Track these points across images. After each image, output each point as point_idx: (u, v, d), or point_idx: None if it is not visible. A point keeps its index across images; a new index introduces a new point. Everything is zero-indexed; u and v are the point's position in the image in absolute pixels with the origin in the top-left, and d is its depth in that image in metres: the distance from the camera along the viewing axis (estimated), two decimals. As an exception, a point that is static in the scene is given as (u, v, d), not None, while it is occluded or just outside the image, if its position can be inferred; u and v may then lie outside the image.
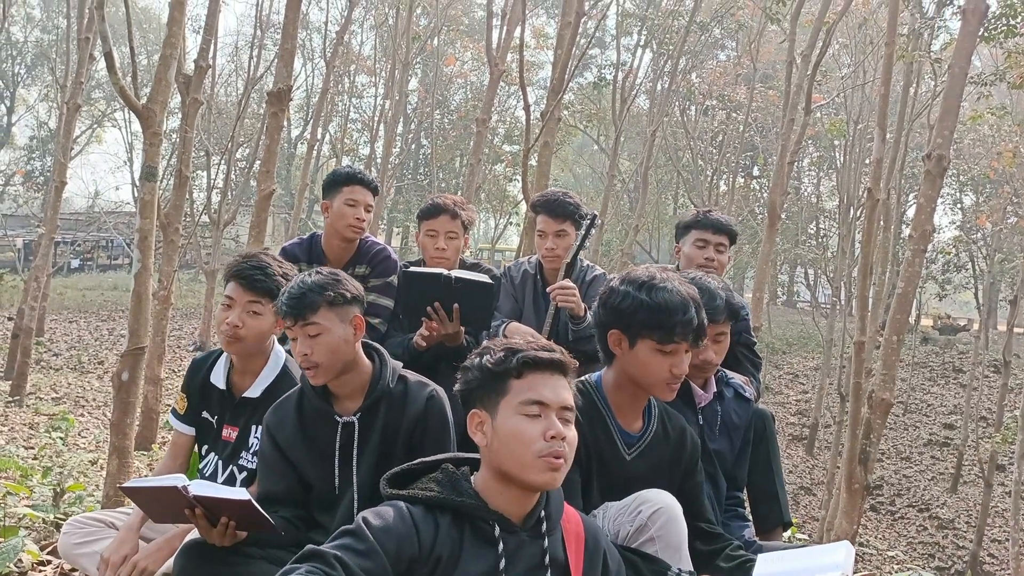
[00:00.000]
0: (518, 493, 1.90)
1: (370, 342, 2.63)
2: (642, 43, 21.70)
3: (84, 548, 2.67)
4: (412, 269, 3.26)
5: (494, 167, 29.02)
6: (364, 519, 1.83)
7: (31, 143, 35.91)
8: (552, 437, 1.85)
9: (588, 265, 3.68)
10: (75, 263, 31.46)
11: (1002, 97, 18.00)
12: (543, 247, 3.58)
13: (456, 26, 25.56)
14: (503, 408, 1.89)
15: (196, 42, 11.95)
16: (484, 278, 3.27)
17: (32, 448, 8.62)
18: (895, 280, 12.44)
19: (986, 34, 11.54)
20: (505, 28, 14.33)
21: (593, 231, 3.24)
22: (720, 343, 2.75)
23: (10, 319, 17.24)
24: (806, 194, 31.66)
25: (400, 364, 2.63)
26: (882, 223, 14.66)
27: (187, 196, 12.24)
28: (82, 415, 12.77)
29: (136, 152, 30.05)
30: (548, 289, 3.35)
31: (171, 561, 2.47)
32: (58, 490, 5.00)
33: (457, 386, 1.99)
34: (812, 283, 33.87)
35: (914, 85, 16.57)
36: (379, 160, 21.88)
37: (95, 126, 34.42)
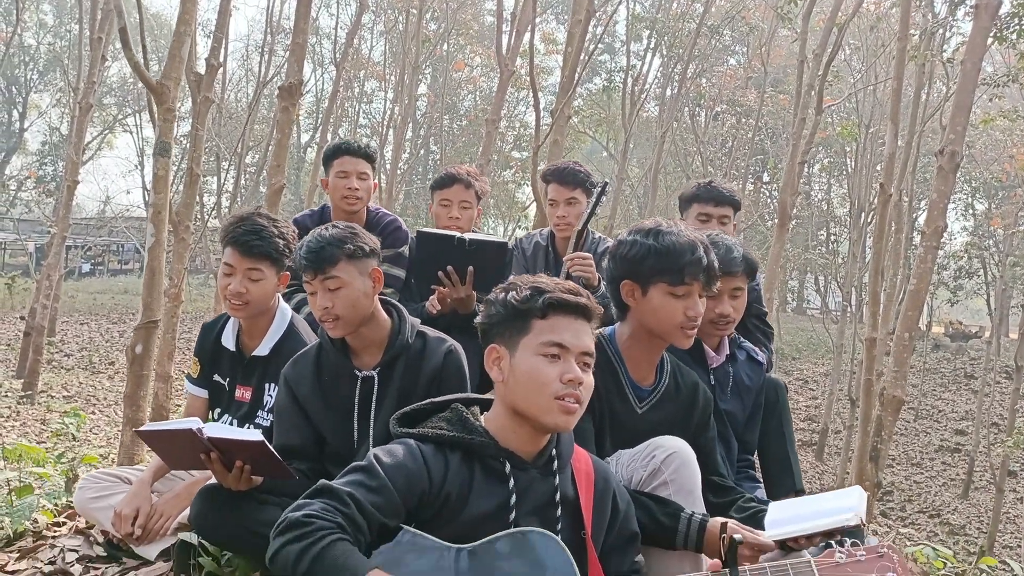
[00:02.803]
0: (530, 432, 1.91)
1: (388, 299, 2.64)
2: (652, 47, 21.74)
3: (99, 503, 2.69)
4: (426, 230, 3.26)
5: (503, 173, 29.06)
6: (375, 456, 1.84)
7: (43, 148, 36.13)
8: (569, 380, 1.85)
9: (599, 236, 3.68)
10: (86, 267, 31.63)
11: (1015, 100, 17.95)
12: (554, 215, 3.59)
13: (466, 31, 25.63)
14: (523, 346, 1.89)
15: (207, 46, 12.05)
16: (499, 238, 3.28)
17: (44, 443, 8.65)
18: (906, 285, 12.39)
19: (999, 34, 11.51)
20: (515, 31, 14.37)
21: (604, 199, 3.24)
22: (737, 298, 2.74)
23: (21, 318, 17.34)
24: (817, 200, 31.60)
25: (418, 320, 2.64)
26: (894, 226, 14.63)
27: (197, 197, 12.29)
28: (93, 413, 12.82)
29: (147, 157, 30.20)
30: (565, 258, 3.34)
31: (187, 512, 2.49)
32: (71, 476, 5.01)
33: (478, 319, 1.99)
34: (822, 289, 33.74)
35: (926, 87, 16.54)
36: (388, 165, 21.95)
37: (107, 131, 34.60)
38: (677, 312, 2.32)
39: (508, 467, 1.88)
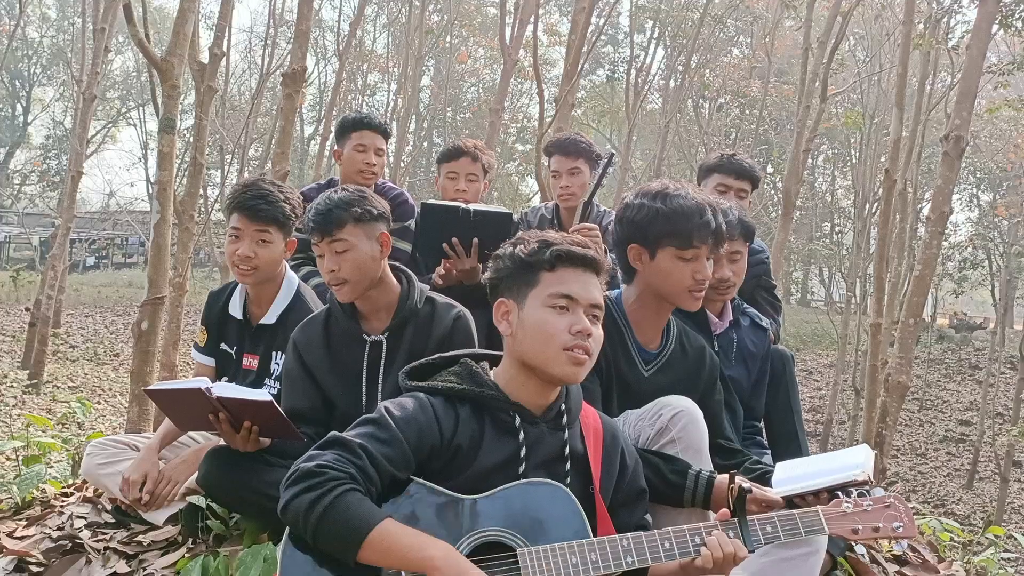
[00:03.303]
0: (539, 385, 1.91)
1: (397, 264, 2.64)
2: (655, 37, 21.71)
3: (107, 469, 2.71)
4: (431, 202, 3.26)
5: (506, 165, 29.04)
6: (386, 409, 1.85)
7: (47, 142, 36.16)
8: (578, 332, 1.84)
9: (604, 210, 3.68)
10: (90, 261, 31.66)
11: (1020, 90, 17.87)
12: (558, 186, 3.60)
13: (469, 22, 25.61)
14: (531, 299, 1.89)
15: (210, 37, 12.05)
16: (503, 209, 3.27)
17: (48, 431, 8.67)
18: (911, 273, 12.37)
19: (1004, 21, 11.46)
20: (518, 21, 14.34)
21: (611, 170, 3.23)
22: (737, 263, 2.75)
23: (27, 310, 17.38)
24: (821, 192, 31.56)
25: (427, 286, 2.64)
26: (898, 216, 14.59)
27: (201, 189, 12.29)
28: (98, 403, 12.87)
29: (150, 150, 30.25)
30: (571, 229, 3.34)
31: (195, 477, 2.50)
32: (77, 459, 5.03)
33: (487, 274, 1.99)
34: (827, 280, 33.71)
35: (931, 76, 16.49)
36: (391, 157, 21.94)
37: (110, 124, 34.63)
38: (686, 275, 2.31)
39: (518, 420, 1.88)
